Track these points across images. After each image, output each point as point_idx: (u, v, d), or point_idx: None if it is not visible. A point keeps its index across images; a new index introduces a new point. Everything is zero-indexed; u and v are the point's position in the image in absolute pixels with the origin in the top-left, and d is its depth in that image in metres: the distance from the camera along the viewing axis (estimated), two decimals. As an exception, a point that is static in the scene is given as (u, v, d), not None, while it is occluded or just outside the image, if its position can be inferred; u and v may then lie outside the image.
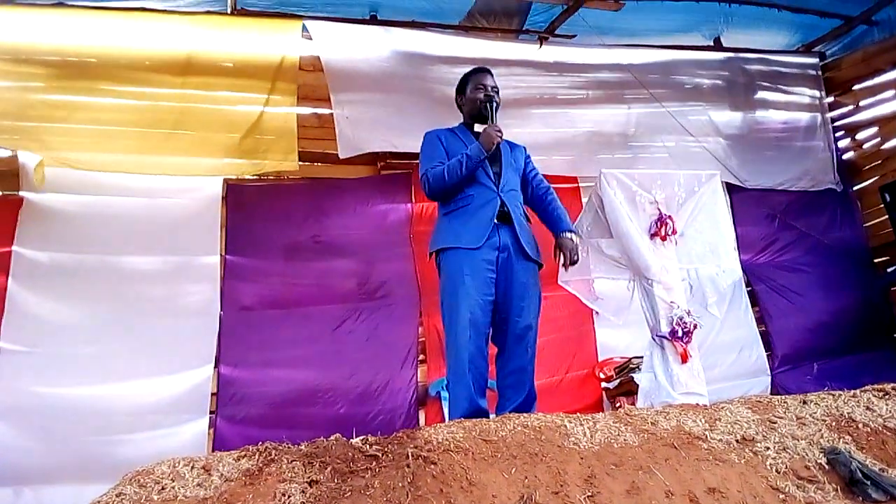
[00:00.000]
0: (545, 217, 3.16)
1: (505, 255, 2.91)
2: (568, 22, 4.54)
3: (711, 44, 5.28)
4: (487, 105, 3.06)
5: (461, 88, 3.27)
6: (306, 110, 4.38)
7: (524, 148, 3.32)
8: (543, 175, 3.31)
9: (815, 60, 5.60)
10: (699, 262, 3.36)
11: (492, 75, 3.23)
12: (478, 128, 3.05)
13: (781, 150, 5.31)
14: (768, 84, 5.47)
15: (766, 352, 4.86)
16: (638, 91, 4.97)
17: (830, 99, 5.60)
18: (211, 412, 3.78)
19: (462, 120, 3.27)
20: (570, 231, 3.04)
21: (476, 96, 3.13)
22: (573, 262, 2.98)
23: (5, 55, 3.73)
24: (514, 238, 2.93)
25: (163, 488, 1.86)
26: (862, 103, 5.47)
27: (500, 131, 2.96)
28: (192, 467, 1.96)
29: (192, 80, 4.04)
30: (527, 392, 2.90)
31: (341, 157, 4.16)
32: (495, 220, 2.91)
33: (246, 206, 4.20)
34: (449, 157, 2.98)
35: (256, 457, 2.01)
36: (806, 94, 5.56)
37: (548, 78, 4.88)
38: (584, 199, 4.02)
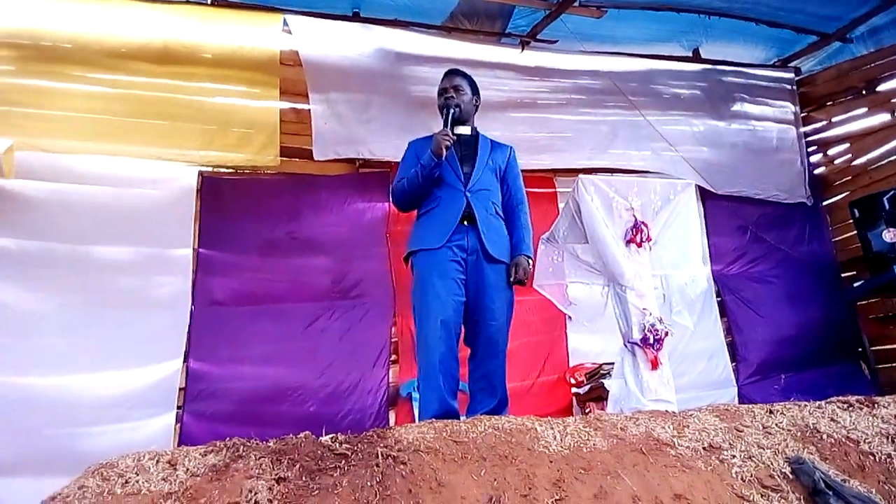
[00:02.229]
0: (510, 234, 3.16)
1: (473, 257, 2.93)
2: (550, 27, 4.57)
3: (690, 55, 5.34)
4: (446, 110, 3.08)
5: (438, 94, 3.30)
6: (286, 105, 4.34)
7: (510, 148, 3.32)
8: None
9: (790, 75, 5.71)
10: (671, 269, 3.40)
11: (459, 75, 3.25)
12: (460, 130, 3.08)
13: (756, 161, 5.39)
14: (745, 96, 5.56)
15: (733, 363, 4.93)
16: (617, 98, 5.02)
17: (804, 113, 5.70)
18: (178, 407, 3.72)
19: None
20: (527, 256, 3.03)
21: (440, 102, 3.19)
22: (519, 282, 2.99)
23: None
24: (480, 239, 2.94)
25: (126, 482, 1.82)
26: (835, 119, 5.57)
27: (448, 137, 2.95)
28: (158, 461, 1.93)
29: (169, 70, 4.00)
30: (499, 397, 2.91)
31: (316, 158, 4.19)
32: (464, 222, 2.93)
33: (221, 199, 4.13)
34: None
35: (223, 452, 1.99)
36: (781, 107, 5.66)
37: (529, 82, 4.90)
38: (561, 204, 4.05)
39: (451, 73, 3.27)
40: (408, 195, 3.01)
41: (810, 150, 5.66)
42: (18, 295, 3.62)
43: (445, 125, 3.03)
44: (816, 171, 5.66)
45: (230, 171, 4.25)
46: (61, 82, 3.81)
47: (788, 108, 5.67)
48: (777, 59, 5.61)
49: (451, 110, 3.07)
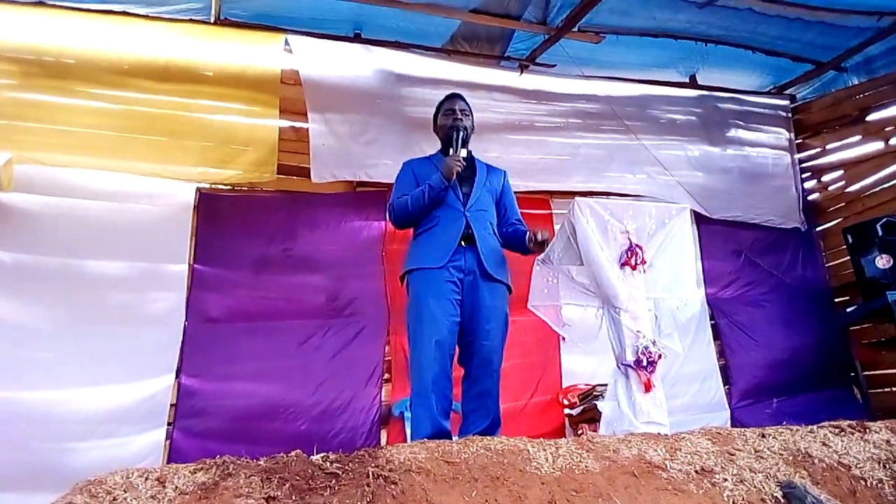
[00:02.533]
0: (509, 240, 3.18)
1: (471, 277, 2.93)
2: (549, 51, 4.63)
3: (687, 80, 5.40)
4: (453, 133, 3.08)
5: (435, 115, 3.34)
6: (285, 123, 4.37)
7: (504, 173, 3.35)
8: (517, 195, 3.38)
9: (786, 102, 5.77)
10: (664, 293, 3.41)
11: (462, 100, 3.28)
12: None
13: (751, 186, 5.43)
14: (741, 123, 5.61)
15: (725, 386, 4.92)
16: (614, 122, 5.06)
17: (799, 140, 5.75)
18: (168, 423, 3.70)
19: (440, 147, 3.31)
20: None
21: (444, 122, 3.22)
22: (542, 244, 2.99)
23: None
24: (479, 259, 2.94)
25: (114, 499, 1.81)
26: (829, 146, 5.63)
27: (459, 161, 2.97)
28: (146, 479, 1.92)
29: (169, 87, 4.04)
30: (491, 417, 2.90)
31: (314, 181, 4.20)
32: (461, 243, 2.94)
33: (217, 215, 4.14)
34: (419, 185, 3.02)
35: (213, 470, 1.97)
36: (776, 134, 5.71)
37: (527, 104, 4.95)
38: (557, 226, 4.06)
39: (455, 97, 3.30)
40: (410, 214, 3.01)
41: (804, 176, 5.71)
42: (10, 308, 3.61)
43: (455, 149, 3.03)
44: (810, 197, 5.70)
45: (227, 187, 4.27)
46: (62, 97, 3.85)
47: (783, 135, 5.72)
48: (773, 86, 5.68)
49: (461, 132, 3.08)
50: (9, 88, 3.76)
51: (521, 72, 4.89)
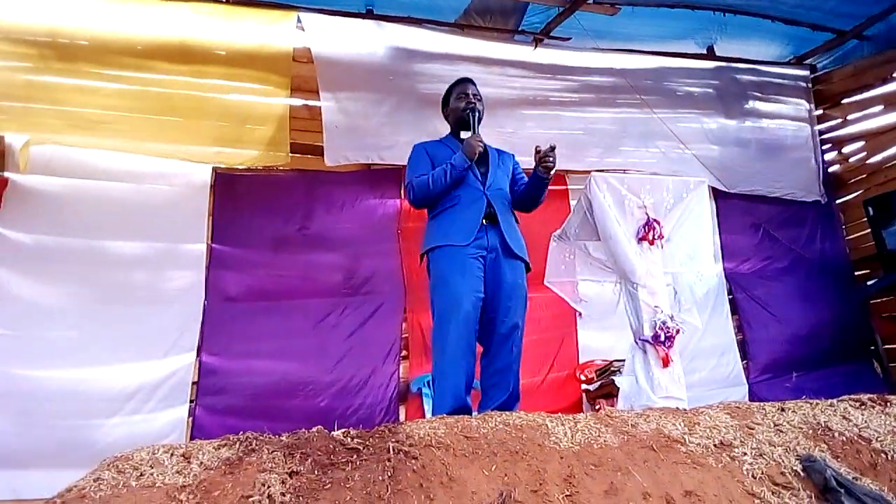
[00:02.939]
0: (521, 193, 3.18)
1: (493, 255, 2.95)
2: (563, 24, 4.56)
3: (704, 52, 5.32)
4: (469, 114, 3.11)
5: (446, 100, 3.34)
6: (298, 102, 4.37)
7: (513, 155, 3.37)
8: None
9: (805, 73, 5.67)
10: (681, 267, 3.38)
11: (474, 84, 3.29)
12: (464, 135, 3.09)
13: (770, 159, 5.36)
14: (759, 94, 5.53)
15: (743, 361, 4.91)
16: (630, 96, 5.00)
17: (819, 111, 5.66)
18: (190, 401, 3.77)
19: (449, 131, 3.32)
20: None
21: (458, 105, 3.22)
22: (547, 159, 2.98)
23: (-6, 34, 3.70)
24: (501, 238, 2.97)
25: (141, 475, 1.84)
26: (850, 117, 5.55)
27: (481, 141, 3.02)
28: (172, 454, 1.95)
29: (184, 67, 4.03)
30: (510, 391, 2.92)
31: (328, 163, 4.21)
32: (483, 221, 2.95)
33: (234, 195, 4.17)
34: (434, 166, 3.04)
35: (237, 446, 2.00)
36: (795, 105, 5.63)
37: (541, 79, 4.90)
38: (573, 202, 4.04)
39: (467, 81, 3.30)
40: (432, 193, 3.01)
41: (825, 148, 5.63)
42: (34, 289, 3.68)
43: (474, 129, 3.06)
44: (831, 170, 5.63)
45: (243, 167, 4.28)
46: (78, 79, 3.85)
47: (803, 106, 5.64)
48: (792, 56, 5.58)
49: (476, 113, 3.11)
50: (24, 71, 3.77)
51: (536, 45, 4.84)
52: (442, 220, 3.02)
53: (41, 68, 3.78)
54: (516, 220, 3.15)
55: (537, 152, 3.02)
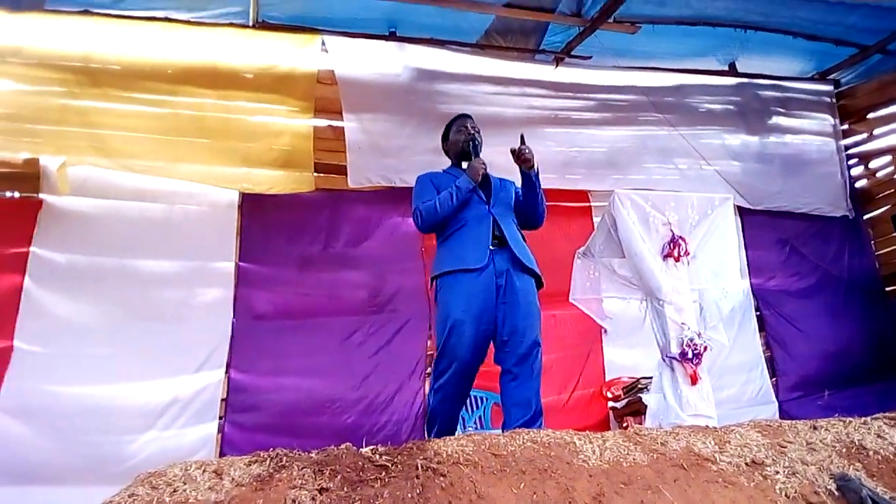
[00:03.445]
0: (518, 204, 3.21)
1: (504, 278, 2.93)
2: (584, 43, 4.59)
3: (726, 69, 5.31)
4: (470, 143, 3.18)
5: (445, 135, 3.41)
6: (323, 122, 4.43)
7: (513, 182, 3.35)
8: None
9: (829, 88, 5.64)
10: (707, 284, 3.37)
11: (471, 119, 3.37)
12: (465, 165, 3.16)
13: (795, 175, 5.32)
14: (782, 110, 5.51)
15: (772, 378, 4.84)
16: (652, 113, 5.01)
17: (845, 126, 5.62)
18: (219, 417, 3.81)
19: (451, 164, 3.38)
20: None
21: (458, 138, 3.29)
22: (521, 141, 3.07)
23: (28, 60, 3.83)
24: (511, 255, 2.96)
25: (174, 490, 1.86)
26: (876, 132, 5.49)
27: (483, 164, 3.09)
28: (204, 471, 1.97)
29: (211, 91, 4.14)
30: (533, 409, 2.89)
31: (351, 185, 4.29)
32: (491, 246, 2.96)
33: (261, 214, 4.23)
34: (439, 192, 3.08)
35: (267, 462, 2.02)
36: (820, 120, 5.59)
37: (563, 98, 4.93)
38: (597, 219, 4.05)
39: (465, 116, 3.39)
40: (439, 216, 3.02)
41: (851, 163, 5.58)
42: (67, 307, 3.75)
43: (475, 155, 3.13)
44: (858, 184, 5.57)
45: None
46: (110, 103, 3.95)
47: (828, 121, 5.60)
48: (815, 72, 5.55)
49: (476, 142, 3.19)
50: (58, 95, 3.88)
51: (557, 65, 4.87)
52: (451, 243, 3.04)
53: (75, 93, 3.90)
54: (524, 238, 3.14)
55: (512, 152, 3.07)
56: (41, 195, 3.84)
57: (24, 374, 3.54)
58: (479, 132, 3.29)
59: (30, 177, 3.82)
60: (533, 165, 3.06)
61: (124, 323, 3.79)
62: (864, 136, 5.55)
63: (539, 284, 3.06)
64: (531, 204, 3.14)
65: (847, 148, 5.59)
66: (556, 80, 4.92)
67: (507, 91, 4.77)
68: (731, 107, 5.37)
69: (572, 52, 4.74)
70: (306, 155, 4.27)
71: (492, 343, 2.97)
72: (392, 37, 4.50)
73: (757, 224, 5.15)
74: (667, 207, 3.24)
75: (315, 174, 4.30)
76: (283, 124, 4.31)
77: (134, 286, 3.87)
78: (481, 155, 3.15)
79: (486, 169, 3.10)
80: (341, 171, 4.35)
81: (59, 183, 3.66)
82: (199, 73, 4.10)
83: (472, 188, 3.04)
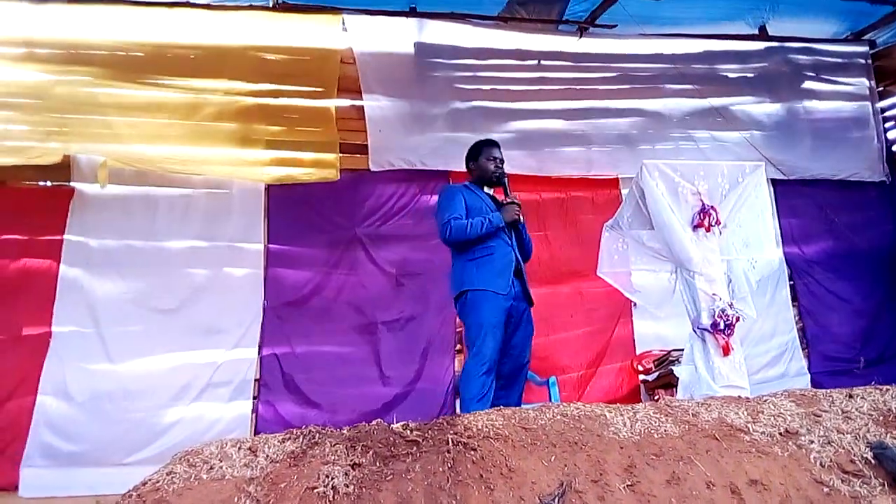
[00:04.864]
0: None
1: (517, 302, 3.32)
2: (609, 11, 4.48)
3: (756, 32, 5.16)
4: (501, 178, 3.46)
5: (474, 156, 3.55)
6: (346, 102, 4.43)
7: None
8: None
9: (864, 49, 5.45)
10: (737, 254, 3.31)
11: (500, 148, 3.56)
12: (488, 189, 3.48)
13: (829, 141, 5.18)
14: (815, 74, 5.35)
15: (805, 349, 4.77)
16: (679, 81, 4.90)
17: (880, 88, 5.44)
18: (253, 397, 3.88)
19: (471, 179, 3.56)
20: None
21: (488, 167, 3.49)
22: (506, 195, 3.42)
23: (54, 50, 3.90)
24: (523, 287, 3.37)
25: (211, 468, 1.91)
26: (914, 93, 5.31)
27: (519, 212, 3.37)
28: (239, 448, 2.01)
29: (235, 73, 4.15)
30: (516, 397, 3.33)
31: (372, 169, 4.33)
32: (512, 278, 3.31)
33: (287, 196, 4.25)
34: (468, 210, 3.34)
35: (300, 439, 2.06)
36: (855, 83, 5.42)
37: (588, 69, 4.86)
38: (625, 191, 3.99)
39: (494, 144, 3.57)
40: (467, 238, 3.27)
41: (888, 125, 5.40)
42: (103, 287, 3.87)
43: (505, 191, 3.44)
44: (894, 148, 5.39)
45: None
46: (134, 90, 4.01)
47: (863, 84, 5.42)
48: (849, 32, 5.36)
49: (506, 176, 3.47)
50: (83, 85, 3.95)
51: (580, 35, 4.78)
52: (481, 266, 3.29)
53: (98, 82, 3.96)
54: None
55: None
56: (72, 183, 3.91)
57: (62, 354, 3.67)
58: (503, 162, 3.52)
59: (61, 166, 3.88)
60: (521, 220, 3.40)
61: (156, 304, 3.89)
62: (902, 97, 5.37)
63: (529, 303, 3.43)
64: (519, 244, 3.46)
65: (883, 111, 5.41)
66: (581, 51, 4.84)
67: (529, 65, 4.71)
68: (762, 72, 5.22)
69: (596, 22, 4.64)
70: (332, 137, 4.29)
71: None
72: (412, 12, 4.46)
73: (790, 192, 5.03)
74: (696, 177, 3.17)
75: (341, 154, 4.30)
76: (307, 106, 4.33)
77: (165, 268, 3.95)
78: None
79: (520, 217, 3.36)
80: (365, 150, 4.36)
81: (99, 178, 3.73)
82: (221, 57, 4.13)
83: (502, 226, 3.31)
